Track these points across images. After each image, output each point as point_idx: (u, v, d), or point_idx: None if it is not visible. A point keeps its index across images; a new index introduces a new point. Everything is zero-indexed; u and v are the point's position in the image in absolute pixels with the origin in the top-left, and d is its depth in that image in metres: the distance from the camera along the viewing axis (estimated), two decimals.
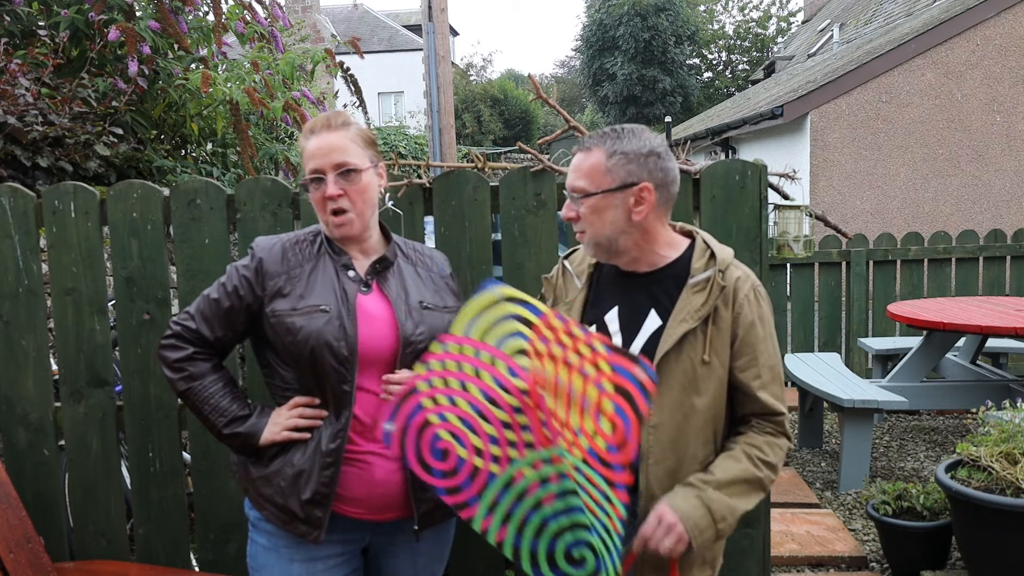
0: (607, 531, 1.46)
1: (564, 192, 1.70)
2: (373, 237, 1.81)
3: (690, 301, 1.62)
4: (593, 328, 1.70)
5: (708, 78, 33.49)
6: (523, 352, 1.49)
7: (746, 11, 33.55)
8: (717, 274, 1.63)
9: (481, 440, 1.51)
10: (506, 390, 1.49)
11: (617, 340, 1.67)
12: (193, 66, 4.29)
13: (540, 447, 1.48)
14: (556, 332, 1.47)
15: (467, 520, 1.54)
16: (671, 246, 1.69)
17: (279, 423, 1.72)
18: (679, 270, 1.67)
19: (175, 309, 2.56)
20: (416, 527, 1.74)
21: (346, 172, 1.69)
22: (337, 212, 1.70)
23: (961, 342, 5.08)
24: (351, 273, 1.75)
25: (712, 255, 1.66)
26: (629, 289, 1.69)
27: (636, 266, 1.69)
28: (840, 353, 5.85)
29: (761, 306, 1.66)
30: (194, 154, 4.64)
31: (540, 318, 1.49)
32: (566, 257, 1.85)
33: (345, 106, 9.52)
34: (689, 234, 1.73)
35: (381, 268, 1.78)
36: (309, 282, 1.72)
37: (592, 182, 1.61)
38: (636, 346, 1.65)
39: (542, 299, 1.83)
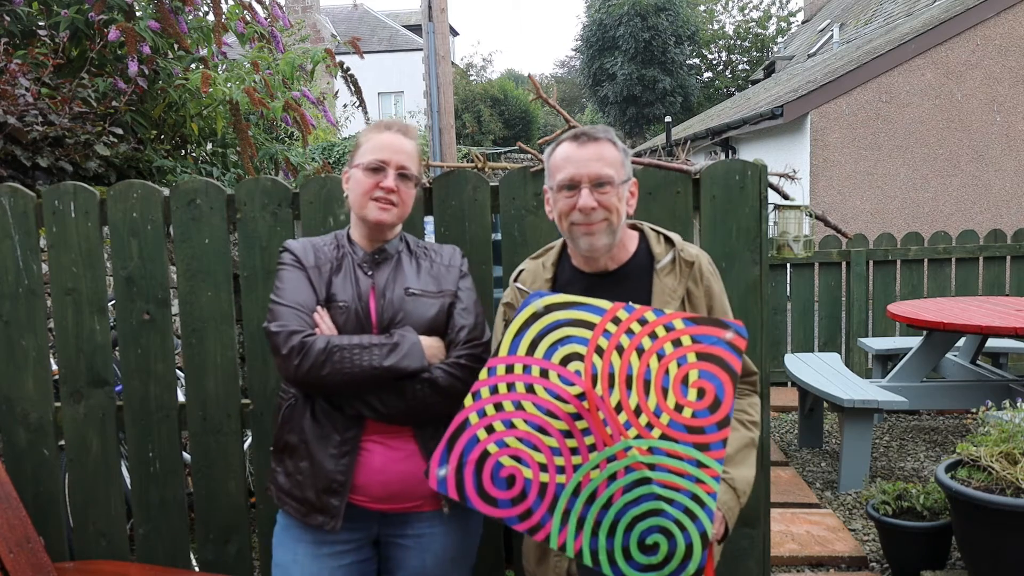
0: (694, 496, 1.45)
1: (569, 183, 1.69)
2: (393, 236, 1.89)
3: (664, 284, 1.71)
4: None
5: (708, 78, 33.48)
6: (575, 356, 1.49)
7: (746, 11, 33.54)
8: (679, 253, 1.74)
9: (544, 455, 1.49)
10: (561, 399, 1.48)
11: None
12: (193, 66, 4.29)
13: (603, 447, 1.47)
14: (623, 323, 1.50)
15: (543, 540, 1.51)
16: (629, 239, 1.78)
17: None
18: (642, 259, 1.75)
19: (175, 309, 2.56)
20: (445, 508, 1.77)
21: (405, 175, 1.81)
22: (384, 200, 1.79)
23: (961, 342, 5.08)
24: (363, 267, 1.83)
25: (667, 239, 1.77)
26: (599, 287, 1.72)
27: (606, 264, 1.74)
28: (840, 353, 5.85)
29: (718, 277, 1.79)
30: (194, 154, 4.64)
31: (603, 316, 1.50)
32: (516, 279, 1.85)
33: (345, 106, 9.53)
34: (634, 227, 1.82)
35: (380, 259, 1.84)
36: (333, 279, 1.81)
37: (617, 172, 1.68)
38: None
39: (505, 324, 1.82)
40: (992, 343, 5.27)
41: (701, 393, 1.46)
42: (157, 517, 2.46)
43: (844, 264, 5.93)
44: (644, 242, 1.78)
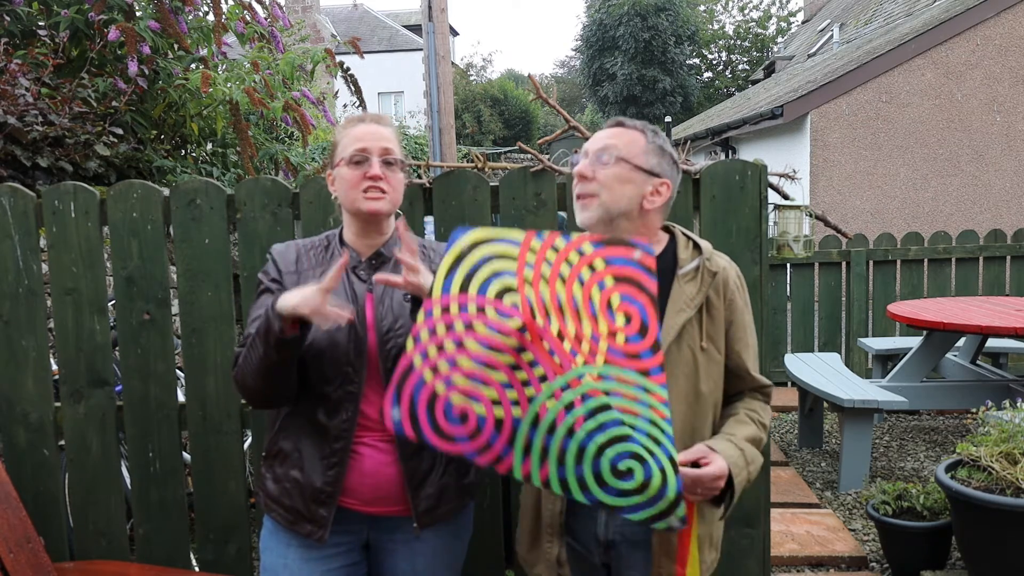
0: (652, 423, 1.43)
1: (572, 159, 1.69)
2: (387, 233, 1.82)
3: (683, 291, 1.68)
4: None
5: (708, 78, 33.48)
6: (508, 290, 1.47)
7: (746, 11, 33.54)
8: (705, 262, 1.70)
9: (495, 390, 1.47)
10: (503, 334, 1.46)
11: None
12: (193, 66, 4.29)
13: (555, 376, 1.45)
14: (539, 253, 1.48)
15: (506, 472, 1.48)
16: (657, 241, 1.75)
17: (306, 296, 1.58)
18: (666, 263, 1.70)
19: (175, 309, 2.56)
20: (415, 524, 1.74)
21: (389, 161, 1.76)
22: (373, 189, 1.73)
23: (961, 342, 5.08)
24: (360, 273, 1.77)
25: (696, 245, 1.74)
26: None
27: None
28: (840, 353, 5.85)
29: (745, 292, 1.76)
30: (194, 154, 4.64)
31: (519, 247, 1.49)
32: None
33: (345, 106, 9.52)
34: (666, 229, 1.78)
35: (377, 264, 1.79)
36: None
37: (629, 151, 1.64)
38: None
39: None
40: (992, 343, 5.27)
41: (628, 318, 1.44)
42: (157, 517, 2.46)
43: (844, 264, 5.93)
44: (672, 245, 1.74)
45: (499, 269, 1.48)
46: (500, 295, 1.48)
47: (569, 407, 1.44)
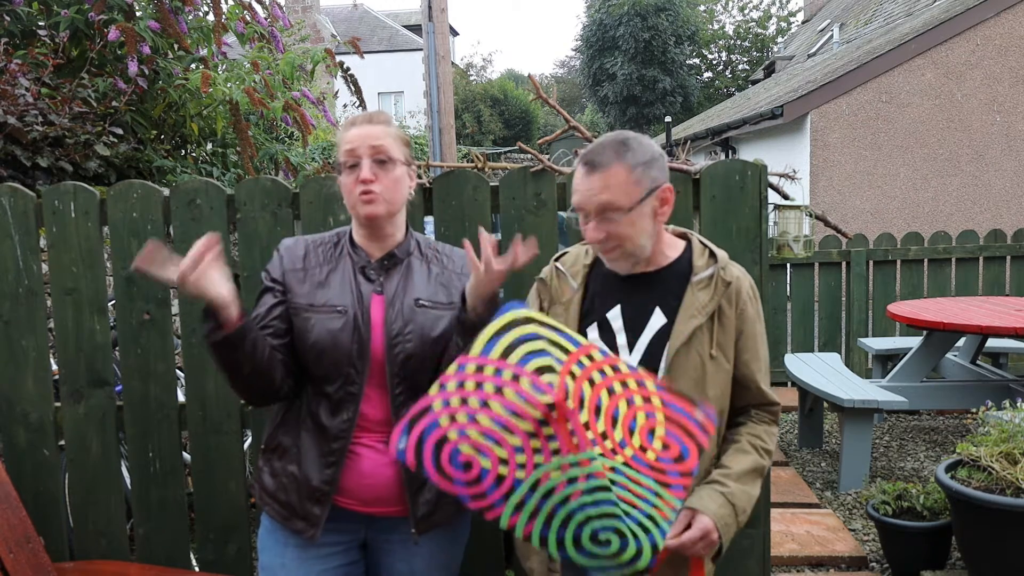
0: (650, 517, 1.48)
1: (570, 214, 1.69)
2: (397, 235, 1.80)
3: (696, 298, 1.67)
4: (595, 326, 1.71)
5: (708, 78, 33.48)
6: (549, 370, 1.47)
7: (746, 11, 33.54)
8: (720, 271, 1.69)
9: (506, 450, 1.47)
10: (531, 405, 1.47)
11: (621, 338, 1.69)
12: (193, 66, 4.29)
13: (567, 453, 1.46)
14: (595, 363, 1.50)
15: (493, 520, 1.51)
16: (671, 246, 1.74)
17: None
18: (681, 268, 1.70)
19: (175, 309, 2.56)
20: (413, 529, 1.73)
21: (381, 160, 1.72)
22: (366, 193, 1.70)
23: (961, 342, 5.08)
24: (369, 274, 1.76)
25: (712, 253, 1.73)
26: (632, 288, 1.71)
27: (643, 267, 1.70)
28: (840, 353, 5.85)
29: (758, 303, 1.75)
30: (194, 154, 4.64)
31: (578, 348, 1.50)
32: (557, 259, 1.84)
33: (345, 106, 9.52)
34: (683, 236, 1.78)
35: (388, 265, 1.78)
36: (327, 280, 1.75)
37: (626, 197, 1.58)
38: (642, 343, 1.68)
39: (541, 305, 1.80)
40: (992, 343, 5.27)
41: (665, 447, 1.48)
42: (157, 517, 2.46)
43: (844, 264, 5.93)
44: (688, 252, 1.73)
45: (547, 349, 1.49)
46: (540, 371, 1.48)
47: (572, 480, 1.46)
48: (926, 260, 5.88)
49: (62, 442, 2.49)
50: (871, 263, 5.90)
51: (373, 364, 1.71)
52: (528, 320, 1.51)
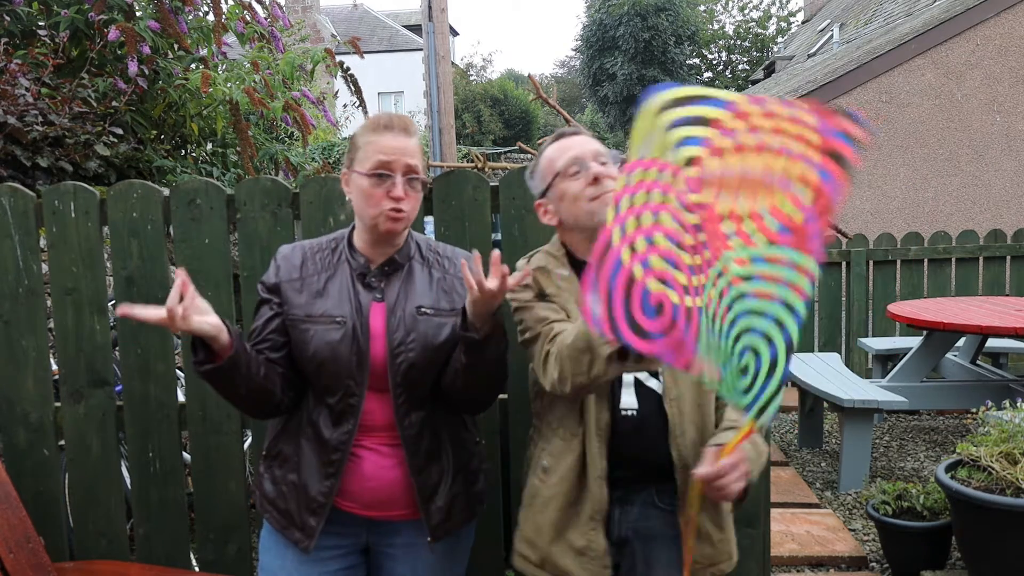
0: (786, 306, 1.36)
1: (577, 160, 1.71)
2: (401, 241, 1.78)
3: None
4: None
5: (708, 78, 33.46)
6: (691, 161, 1.35)
7: (746, 11, 33.53)
8: None
9: (684, 274, 1.35)
10: (687, 209, 1.36)
11: None
12: (193, 66, 4.29)
13: (715, 260, 1.36)
14: (749, 117, 1.37)
15: (686, 369, 1.37)
16: None
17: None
18: None
19: None
20: (429, 538, 1.72)
21: (413, 179, 1.68)
22: (396, 210, 1.66)
23: (961, 342, 5.08)
24: (369, 281, 1.73)
25: None
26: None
27: None
28: (840, 353, 5.85)
29: None
30: (194, 154, 4.64)
31: (727, 108, 1.37)
32: (529, 259, 1.83)
33: (345, 106, 9.52)
34: None
35: (389, 271, 1.74)
36: (325, 289, 1.71)
37: (607, 153, 1.74)
38: None
39: (540, 292, 1.76)
40: (992, 343, 5.27)
41: (815, 197, 1.35)
42: (157, 517, 2.46)
43: (844, 264, 5.93)
44: None
45: (689, 136, 1.36)
46: (688, 163, 1.36)
47: (720, 296, 1.37)
48: (926, 260, 5.88)
49: (62, 442, 2.49)
50: (871, 263, 5.90)
51: (375, 373, 1.68)
52: (672, 104, 1.38)
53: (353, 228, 1.80)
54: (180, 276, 1.52)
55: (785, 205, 1.35)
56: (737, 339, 1.37)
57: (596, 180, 1.66)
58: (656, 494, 1.70)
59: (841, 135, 1.37)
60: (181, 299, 1.51)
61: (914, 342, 4.91)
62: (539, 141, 3.08)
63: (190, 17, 4.40)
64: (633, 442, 1.66)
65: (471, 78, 37.99)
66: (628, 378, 1.70)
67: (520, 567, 1.79)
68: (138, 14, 4.10)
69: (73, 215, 2.38)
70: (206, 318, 1.56)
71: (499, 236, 2.37)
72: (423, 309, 1.71)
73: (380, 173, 1.65)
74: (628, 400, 1.68)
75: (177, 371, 2.56)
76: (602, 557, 1.68)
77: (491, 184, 2.36)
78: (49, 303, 2.50)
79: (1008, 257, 5.92)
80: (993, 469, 2.73)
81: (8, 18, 3.98)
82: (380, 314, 1.71)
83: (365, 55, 4.80)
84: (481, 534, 2.00)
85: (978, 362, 5.05)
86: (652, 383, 1.69)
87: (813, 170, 1.35)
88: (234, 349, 1.59)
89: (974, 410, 3.24)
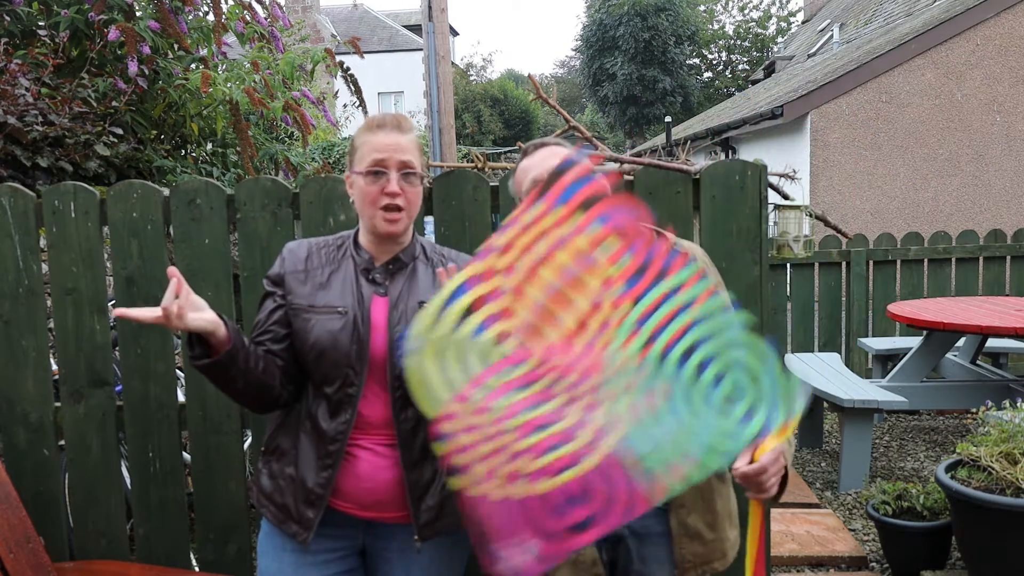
0: (712, 318, 1.34)
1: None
2: (404, 240, 1.79)
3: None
4: None
5: (708, 78, 33.48)
6: (500, 337, 1.33)
7: (746, 11, 33.54)
8: (675, 244, 1.75)
9: (566, 431, 1.30)
10: (532, 382, 1.32)
11: None
12: (193, 66, 4.29)
13: (593, 375, 1.31)
14: (510, 248, 1.35)
15: (661, 500, 1.31)
16: None
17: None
18: None
19: None
20: (416, 536, 1.72)
21: (408, 174, 1.70)
22: (391, 208, 1.68)
23: (961, 342, 5.08)
24: (373, 276, 1.75)
25: (659, 232, 1.77)
26: None
27: None
28: (840, 353, 5.85)
29: (714, 270, 1.79)
30: (194, 154, 4.64)
31: (482, 265, 1.36)
32: None
33: (345, 106, 9.52)
34: None
35: (394, 269, 1.77)
36: (329, 282, 1.74)
37: None
38: None
39: None
40: (992, 343, 5.27)
41: (619, 236, 1.32)
42: (157, 517, 2.46)
43: (844, 264, 5.93)
44: None
45: (478, 323, 1.34)
46: (496, 348, 1.33)
47: (628, 389, 1.31)
48: (926, 260, 5.88)
49: (62, 442, 2.49)
50: (871, 263, 5.90)
51: (374, 365, 1.70)
52: (433, 333, 1.36)
53: (359, 229, 1.82)
54: (174, 275, 1.54)
55: (609, 270, 1.33)
56: (698, 361, 1.32)
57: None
58: None
59: (572, 188, 1.34)
60: (176, 298, 1.53)
61: (914, 342, 4.91)
62: (518, 145, 3.06)
63: (190, 17, 4.40)
64: None
65: (471, 78, 37.99)
66: None
67: None
68: (138, 14, 4.09)
69: (73, 215, 2.38)
70: (202, 315, 1.57)
71: None
72: (425, 303, 1.72)
73: (375, 170, 1.68)
74: None
75: (177, 371, 2.56)
76: (591, 567, 1.70)
77: (491, 184, 2.36)
78: (49, 303, 2.51)
79: (1008, 257, 5.92)
80: (993, 469, 2.73)
81: (8, 18, 3.98)
82: (382, 307, 1.73)
83: (365, 55, 4.79)
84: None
85: (978, 362, 5.05)
86: None
87: (593, 227, 1.32)
88: (231, 343, 1.60)
89: (974, 410, 3.24)
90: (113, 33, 3.76)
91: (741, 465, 1.44)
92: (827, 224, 3.96)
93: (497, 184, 2.35)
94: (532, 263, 1.35)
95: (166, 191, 2.39)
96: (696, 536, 1.69)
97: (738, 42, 33.75)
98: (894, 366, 5.00)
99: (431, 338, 1.37)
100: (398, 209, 1.69)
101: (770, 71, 22.58)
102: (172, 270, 1.54)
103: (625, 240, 1.33)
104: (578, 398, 1.31)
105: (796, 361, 4.96)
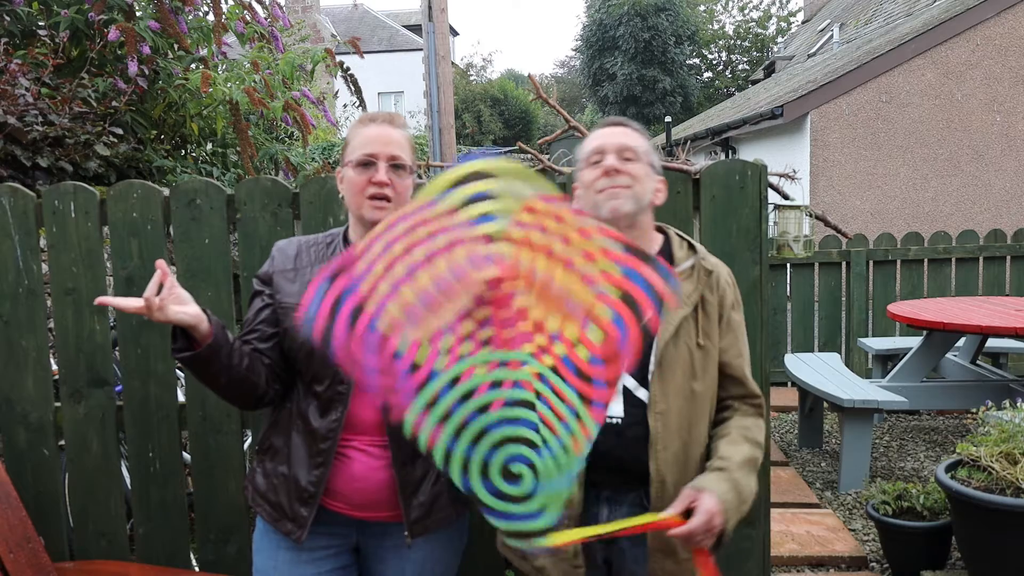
0: (565, 450, 1.30)
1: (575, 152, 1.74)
2: None
3: (680, 288, 1.70)
4: None
5: (708, 78, 33.48)
6: (501, 237, 1.27)
7: (746, 11, 33.55)
8: (699, 261, 1.74)
9: (426, 333, 1.27)
10: (478, 272, 1.27)
11: None
12: (193, 66, 4.29)
13: (498, 348, 1.29)
14: (562, 220, 1.28)
15: (397, 422, 1.31)
16: (653, 240, 1.78)
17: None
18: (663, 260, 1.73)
19: None
20: (406, 533, 1.72)
21: (397, 166, 1.72)
22: (378, 197, 1.69)
23: (961, 342, 5.08)
24: None
25: (691, 245, 1.78)
26: None
27: None
28: (840, 353, 5.85)
29: (737, 291, 1.78)
30: (194, 154, 4.64)
31: (540, 199, 1.28)
32: None
33: (345, 106, 9.53)
34: (660, 230, 1.82)
35: None
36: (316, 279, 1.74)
37: (643, 150, 1.71)
38: None
39: None
40: (992, 343, 5.27)
41: (604, 338, 1.27)
42: (157, 517, 2.46)
43: (844, 264, 5.93)
44: (667, 245, 1.77)
45: (501, 212, 1.29)
46: (492, 239, 1.28)
47: (496, 384, 1.29)
48: (926, 260, 5.88)
49: (62, 442, 2.49)
50: (871, 263, 5.90)
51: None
52: (487, 175, 1.29)
53: (348, 226, 1.83)
54: (161, 267, 1.55)
55: (571, 334, 1.29)
56: (516, 441, 1.30)
57: (607, 173, 1.66)
58: (644, 496, 1.70)
59: (640, 280, 1.28)
60: (161, 289, 1.54)
61: (914, 342, 4.91)
62: (540, 141, 3.08)
63: (190, 17, 4.40)
64: (613, 450, 1.63)
65: (471, 78, 38.00)
66: (618, 386, 1.67)
67: (507, 555, 1.81)
68: (138, 14, 4.09)
69: (73, 215, 2.38)
70: (184, 308, 1.58)
71: None
72: None
73: (365, 161, 1.70)
74: (615, 408, 1.66)
75: (177, 371, 2.56)
76: (572, 558, 1.69)
77: None
78: (49, 303, 2.51)
79: (1008, 257, 5.92)
80: (993, 469, 2.73)
81: (8, 18, 3.98)
82: None
83: (365, 55, 4.80)
84: (481, 535, 2.00)
85: (978, 362, 5.05)
86: (641, 393, 1.66)
87: (607, 308, 1.27)
88: (213, 337, 1.61)
89: (974, 410, 3.24)
90: (113, 33, 3.76)
91: (672, 529, 1.48)
92: (827, 224, 3.97)
93: None
94: (565, 259, 1.30)
95: (166, 191, 2.39)
96: (670, 553, 1.67)
97: (738, 42, 33.76)
98: (894, 366, 5.00)
99: (479, 167, 1.31)
100: (386, 199, 1.69)
101: (770, 71, 22.59)
102: (160, 262, 1.56)
103: (604, 342, 1.29)
104: (470, 326, 1.30)
105: (796, 361, 4.97)
